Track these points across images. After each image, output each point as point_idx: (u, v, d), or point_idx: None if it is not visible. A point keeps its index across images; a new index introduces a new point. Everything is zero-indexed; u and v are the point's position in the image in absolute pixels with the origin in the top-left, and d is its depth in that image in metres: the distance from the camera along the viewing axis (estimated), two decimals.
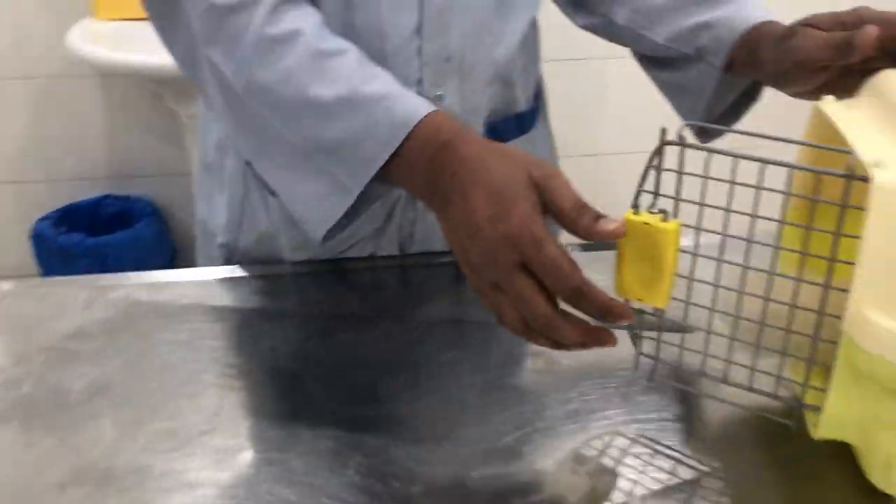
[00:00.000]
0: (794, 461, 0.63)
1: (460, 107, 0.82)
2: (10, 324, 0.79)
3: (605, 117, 2.32)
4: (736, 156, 0.56)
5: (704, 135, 0.86)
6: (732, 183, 0.57)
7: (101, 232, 2.04)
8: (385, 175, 0.67)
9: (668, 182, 0.58)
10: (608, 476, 0.62)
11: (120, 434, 0.66)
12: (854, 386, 0.54)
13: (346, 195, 0.69)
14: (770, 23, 0.76)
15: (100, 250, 2.01)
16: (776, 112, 0.96)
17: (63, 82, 2.10)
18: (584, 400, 0.69)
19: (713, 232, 0.60)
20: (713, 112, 0.84)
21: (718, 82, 0.80)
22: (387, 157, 0.65)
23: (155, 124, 2.17)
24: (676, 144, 0.57)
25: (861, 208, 0.51)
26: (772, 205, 0.59)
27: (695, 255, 0.60)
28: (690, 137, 0.73)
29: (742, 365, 0.62)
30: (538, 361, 0.74)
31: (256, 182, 0.87)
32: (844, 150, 0.52)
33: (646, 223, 0.56)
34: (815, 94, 0.70)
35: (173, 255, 2.23)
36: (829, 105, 0.59)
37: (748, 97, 0.84)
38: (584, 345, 0.58)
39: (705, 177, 0.57)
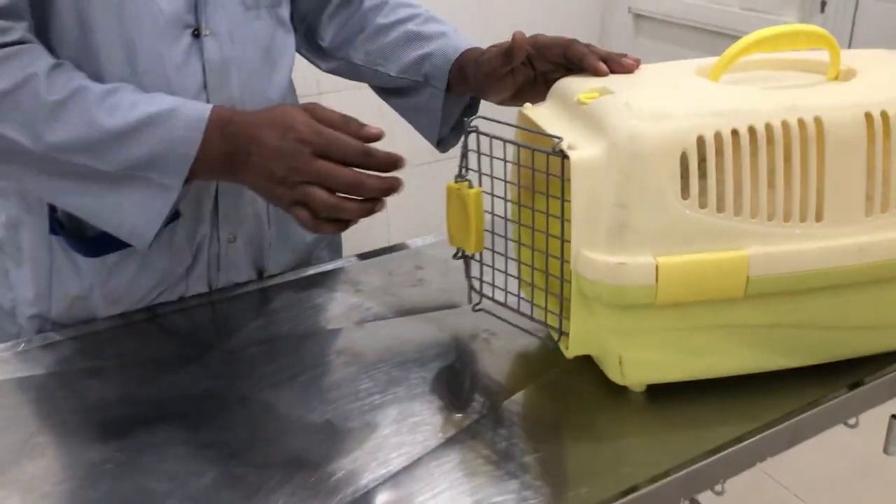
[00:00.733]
0: (557, 382, 0.82)
1: None
2: None
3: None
4: (506, 141, 0.76)
5: (443, 144, 1.06)
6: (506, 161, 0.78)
7: None
8: (197, 169, 0.81)
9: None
10: (398, 436, 0.75)
11: None
12: (586, 309, 0.73)
13: (168, 194, 0.82)
14: (473, 49, 0.99)
15: None
16: None
17: None
18: (375, 379, 0.82)
19: (499, 196, 0.81)
20: (446, 124, 1.05)
21: (444, 101, 1.01)
22: (194, 154, 0.80)
23: None
24: (477, 132, 0.78)
25: (555, 177, 0.70)
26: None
27: (492, 214, 0.81)
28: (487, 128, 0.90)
29: (525, 300, 0.82)
30: (343, 356, 0.87)
31: (62, 249, 0.93)
32: (555, 136, 0.71)
33: (458, 189, 0.78)
34: (514, 101, 0.93)
35: None
36: (529, 109, 0.79)
37: (471, 109, 1.05)
38: (371, 210, 0.80)
39: (490, 156, 0.78)
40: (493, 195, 0.80)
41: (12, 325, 0.97)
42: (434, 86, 1.01)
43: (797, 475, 1.87)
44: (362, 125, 0.80)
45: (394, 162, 0.80)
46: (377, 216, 0.82)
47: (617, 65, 0.81)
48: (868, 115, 0.70)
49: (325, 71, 1.12)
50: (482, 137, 0.77)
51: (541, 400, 0.80)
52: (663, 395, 0.78)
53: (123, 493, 0.69)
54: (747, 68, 0.82)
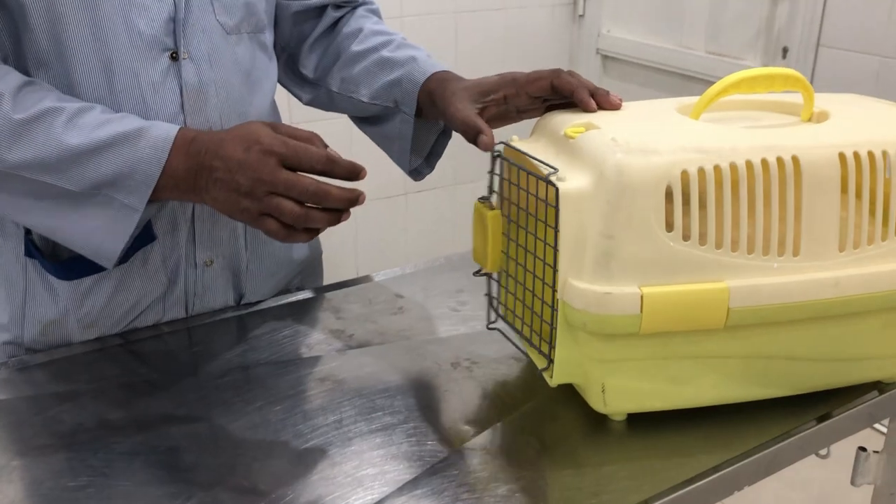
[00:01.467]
0: (538, 411, 0.83)
1: None
2: None
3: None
4: (521, 169, 0.75)
5: (417, 174, 1.08)
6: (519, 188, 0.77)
7: None
8: (161, 189, 0.82)
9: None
10: (379, 465, 0.76)
11: None
12: (571, 337, 0.75)
13: (131, 214, 0.83)
14: (443, 72, 0.99)
15: None
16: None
17: None
18: (356, 407, 0.82)
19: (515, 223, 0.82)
20: (420, 151, 1.06)
21: (416, 127, 1.02)
22: (159, 174, 0.81)
23: None
24: (503, 158, 0.81)
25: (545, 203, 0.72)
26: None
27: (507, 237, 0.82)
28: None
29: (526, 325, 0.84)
30: (324, 384, 0.87)
31: (37, 272, 0.92)
32: (551, 167, 0.73)
33: (479, 208, 0.82)
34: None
35: None
36: (517, 142, 0.81)
37: (445, 135, 1.06)
38: (338, 219, 0.82)
39: (508, 181, 0.80)
40: (508, 218, 0.81)
41: None
42: (404, 111, 1.01)
43: None
44: (325, 145, 0.83)
45: (357, 171, 0.82)
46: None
47: (604, 100, 0.83)
48: (842, 156, 0.73)
49: (305, 103, 1.13)
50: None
51: (522, 428, 0.81)
52: (643, 424, 0.80)
53: None
54: (726, 108, 0.85)
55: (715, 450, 0.77)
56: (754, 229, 0.71)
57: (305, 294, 1.07)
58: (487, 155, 0.84)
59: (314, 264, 1.16)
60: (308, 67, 1.09)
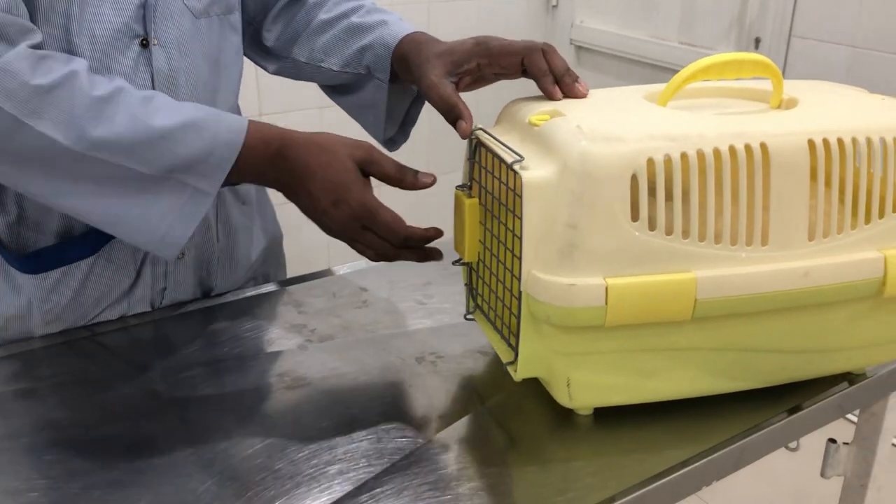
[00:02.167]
0: (503, 406, 0.81)
1: None
2: None
3: None
4: (494, 155, 0.74)
5: (392, 143, 1.05)
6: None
7: None
8: (233, 173, 0.82)
9: None
10: (341, 461, 0.74)
11: None
12: (536, 330, 0.73)
13: (203, 199, 0.82)
14: (416, 34, 0.96)
15: None
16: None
17: None
18: (317, 403, 0.81)
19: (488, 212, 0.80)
20: (394, 120, 1.03)
21: (390, 94, 0.98)
22: (235, 158, 0.81)
23: None
24: (481, 146, 0.78)
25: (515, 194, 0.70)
26: None
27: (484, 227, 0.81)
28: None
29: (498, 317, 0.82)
30: (285, 379, 0.85)
31: (0, 265, 0.89)
32: (518, 155, 0.71)
33: (458, 196, 0.80)
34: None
35: None
36: (482, 133, 0.79)
37: (419, 101, 1.03)
38: (422, 258, 0.85)
39: (483, 168, 0.78)
40: (485, 207, 0.79)
41: None
42: (377, 77, 0.98)
43: (735, 501, 1.89)
44: (416, 174, 0.83)
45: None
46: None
47: (569, 89, 0.81)
48: (811, 143, 0.71)
49: (271, 73, 1.10)
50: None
51: (487, 424, 0.79)
52: (610, 418, 0.78)
53: None
54: (694, 95, 0.83)
55: (683, 444, 0.75)
56: (722, 218, 0.70)
57: (270, 287, 1.04)
58: (460, 144, 0.82)
59: (276, 251, 1.14)
60: (270, 39, 1.06)
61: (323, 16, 1.03)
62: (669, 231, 0.69)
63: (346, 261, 1.08)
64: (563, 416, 0.79)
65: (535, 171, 0.69)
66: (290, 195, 0.84)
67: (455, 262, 0.85)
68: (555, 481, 0.71)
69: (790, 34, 2.07)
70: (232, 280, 1.04)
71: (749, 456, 0.78)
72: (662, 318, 0.70)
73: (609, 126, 0.71)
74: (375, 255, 0.84)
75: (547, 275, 0.69)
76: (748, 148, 0.70)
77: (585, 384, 0.74)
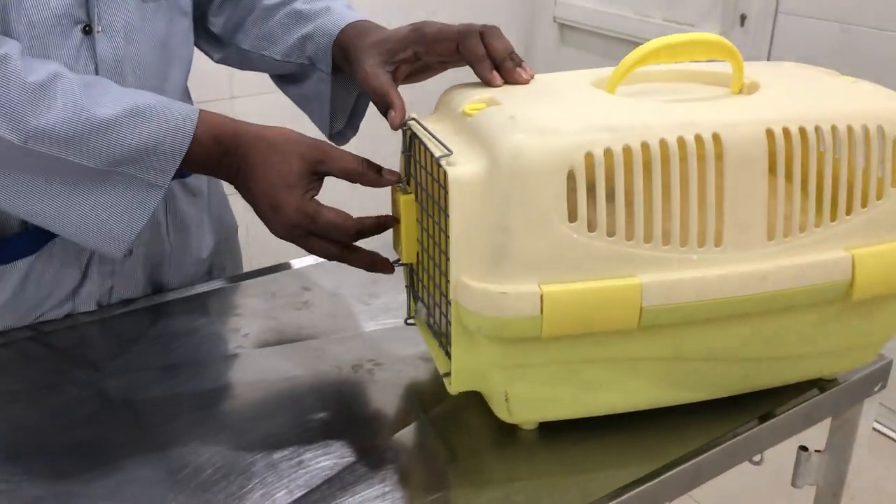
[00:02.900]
0: (444, 418, 0.75)
1: None
2: None
3: None
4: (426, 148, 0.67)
5: (340, 137, 0.98)
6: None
7: None
8: (183, 165, 0.77)
9: None
10: (262, 486, 0.68)
11: None
12: (469, 341, 0.66)
13: (153, 192, 0.77)
14: (359, 23, 0.89)
15: None
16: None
17: None
18: (241, 417, 0.75)
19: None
20: (342, 113, 0.96)
21: (335, 86, 0.92)
22: (187, 147, 0.75)
23: None
24: (411, 134, 0.72)
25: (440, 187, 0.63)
26: None
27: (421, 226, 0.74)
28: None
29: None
30: (205, 391, 0.78)
31: None
32: (445, 147, 0.64)
33: (393, 191, 0.74)
34: (402, 83, 0.84)
35: None
36: (415, 123, 0.72)
37: (367, 94, 0.96)
38: (370, 267, 0.78)
39: (418, 163, 0.71)
40: (421, 204, 0.72)
41: None
42: (320, 69, 0.92)
43: None
44: (380, 171, 0.75)
45: (379, 261, 0.78)
46: None
47: (509, 74, 0.74)
48: (769, 132, 0.64)
49: (216, 61, 1.03)
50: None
51: (426, 439, 0.73)
52: (557, 433, 0.72)
53: None
54: (650, 79, 0.76)
55: (632, 462, 0.69)
56: (670, 217, 0.63)
57: (212, 285, 0.98)
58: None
59: (230, 243, 1.08)
60: (217, 24, 0.99)
61: (268, 1, 0.96)
62: (611, 232, 0.62)
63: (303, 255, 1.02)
64: (507, 431, 0.72)
65: (462, 167, 0.63)
66: (239, 190, 0.79)
67: (394, 263, 0.78)
68: None
69: (777, 10, 1.99)
70: (184, 275, 0.99)
71: (707, 473, 0.72)
72: (605, 328, 0.63)
73: (546, 116, 0.64)
74: (326, 257, 0.78)
75: (477, 282, 0.63)
76: (699, 139, 0.63)
77: (525, 398, 0.68)
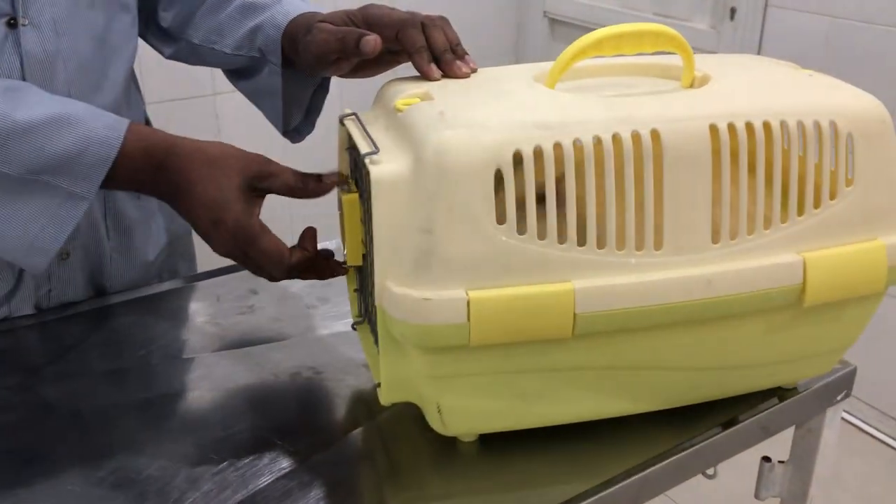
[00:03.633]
0: (382, 429, 0.72)
1: None
2: None
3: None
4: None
5: (296, 133, 0.94)
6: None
7: None
8: (111, 176, 0.73)
9: None
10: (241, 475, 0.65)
11: None
12: (397, 350, 0.63)
13: (77, 203, 0.73)
14: (305, 15, 0.85)
15: None
16: None
17: None
18: (168, 431, 0.72)
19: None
20: (297, 109, 0.92)
21: (287, 80, 0.88)
22: (114, 157, 0.71)
23: None
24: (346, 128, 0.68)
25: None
26: None
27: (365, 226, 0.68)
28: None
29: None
30: (136, 400, 0.75)
31: None
32: (373, 143, 0.61)
33: (339, 191, 0.71)
34: (356, 74, 0.81)
35: None
36: (350, 119, 0.69)
37: (324, 88, 0.92)
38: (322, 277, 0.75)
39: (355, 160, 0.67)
40: (363, 203, 0.68)
41: None
42: (271, 61, 0.88)
43: None
44: (319, 178, 0.72)
45: (330, 266, 0.74)
46: None
47: (448, 67, 0.70)
48: (713, 128, 0.60)
49: (166, 57, 0.99)
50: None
51: (362, 452, 0.70)
52: (499, 445, 0.68)
53: None
54: (597, 73, 0.73)
55: (573, 477, 0.66)
56: (605, 219, 0.59)
57: (156, 288, 0.95)
58: None
59: (182, 245, 1.05)
60: (167, 19, 0.95)
61: None
62: (542, 235, 0.58)
63: None
64: (447, 443, 0.69)
65: (385, 166, 0.59)
66: (175, 209, 0.74)
67: (342, 264, 0.75)
68: None
69: (766, 4, 1.94)
70: (129, 278, 0.95)
71: (654, 487, 0.68)
72: (537, 336, 0.60)
73: (476, 112, 0.61)
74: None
75: (401, 287, 0.59)
76: (636, 136, 0.59)
77: (459, 410, 0.65)
